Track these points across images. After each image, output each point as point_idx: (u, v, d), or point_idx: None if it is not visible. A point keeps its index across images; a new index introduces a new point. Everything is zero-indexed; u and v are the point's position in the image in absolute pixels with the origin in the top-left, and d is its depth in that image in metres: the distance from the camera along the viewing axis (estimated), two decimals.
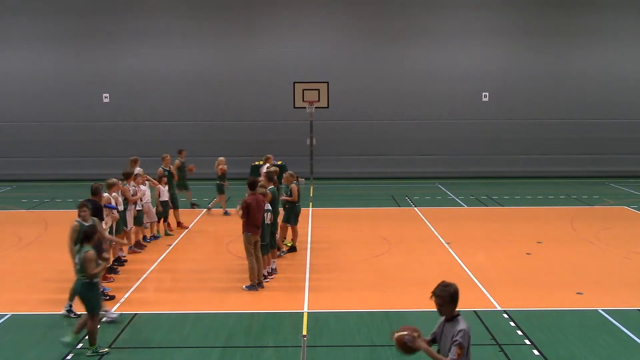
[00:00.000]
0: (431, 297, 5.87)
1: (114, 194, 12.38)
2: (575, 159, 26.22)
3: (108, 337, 9.29)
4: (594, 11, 25.80)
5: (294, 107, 23.45)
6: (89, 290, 8.65)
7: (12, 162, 25.87)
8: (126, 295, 11.14)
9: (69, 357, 8.59)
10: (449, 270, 12.70)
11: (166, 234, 15.66)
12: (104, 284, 11.21)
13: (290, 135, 25.29)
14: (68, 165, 25.80)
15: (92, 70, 25.59)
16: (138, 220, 14.09)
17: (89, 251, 8.62)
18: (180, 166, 18.20)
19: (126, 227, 13.36)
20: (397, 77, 25.74)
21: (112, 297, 10.87)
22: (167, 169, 16.36)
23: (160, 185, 15.27)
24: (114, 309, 10.39)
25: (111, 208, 12.04)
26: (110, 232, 12.10)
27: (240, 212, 11.24)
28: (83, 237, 8.85)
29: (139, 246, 14.27)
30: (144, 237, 14.91)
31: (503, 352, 8.69)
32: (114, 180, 12.70)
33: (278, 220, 13.03)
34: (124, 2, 25.44)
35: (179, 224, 16.46)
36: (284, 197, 13.61)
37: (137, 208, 13.93)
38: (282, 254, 13.53)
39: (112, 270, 12.40)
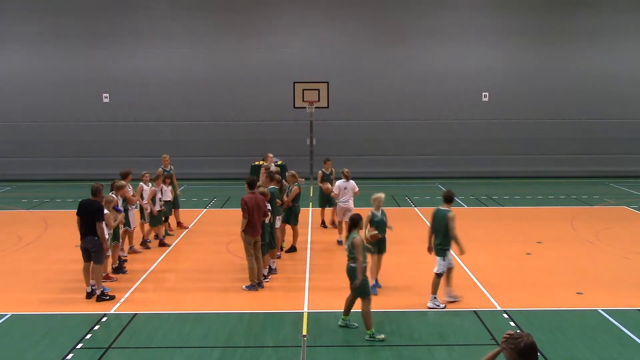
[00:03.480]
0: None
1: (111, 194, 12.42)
2: (575, 159, 26.23)
3: (108, 337, 9.30)
4: (594, 11, 25.81)
5: (294, 107, 23.45)
6: (351, 273, 9.18)
7: (12, 162, 25.88)
8: (126, 295, 11.13)
9: (69, 357, 8.59)
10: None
11: (166, 234, 15.67)
12: (104, 284, 11.21)
13: (290, 135, 25.29)
14: (68, 165, 25.81)
15: (92, 70, 25.59)
16: (155, 220, 14.39)
17: (357, 237, 9.15)
18: (323, 177, 16.44)
19: (129, 227, 13.42)
20: (397, 77, 25.76)
21: (112, 297, 10.87)
22: (167, 169, 16.37)
23: (163, 185, 15.29)
24: (113, 309, 10.41)
25: (119, 211, 12.10)
26: (116, 233, 12.16)
27: (246, 220, 11.18)
28: (351, 224, 9.32)
29: (144, 245, 14.46)
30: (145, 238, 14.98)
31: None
32: (122, 182, 12.80)
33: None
34: (124, 2, 25.45)
35: (179, 224, 16.47)
36: (284, 198, 13.58)
37: (157, 208, 14.34)
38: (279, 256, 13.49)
39: (120, 270, 12.43)
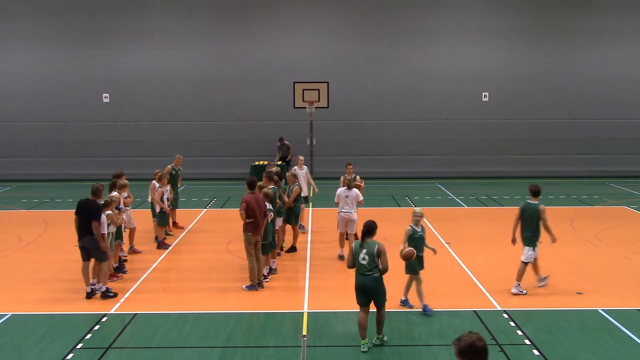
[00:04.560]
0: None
1: (114, 193, 12.46)
2: (575, 159, 26.22)
3: (108, 337, 9.31)
4: (594, 11, 25.81)
5: (294, 107, 23.44)
6: (379, 284, 8.65)
7: (12, 162, 25.87)
8: (126, 295, 11.14)
9: (69, 357, 8.59)
10: (449, 270, 12.71)
11: (166, 235, 15.66)
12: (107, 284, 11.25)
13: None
14: (68, 165, 25.81)
15: (92, 70, 25.58)
16: (164, 219, 14.53)
17: (380, 243, 8.61)
18: (345, 182, 14.65)
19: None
20: (397, 77, 25.74)
21: (115, 295, 10.99)
22: (177, 169, 16.41)
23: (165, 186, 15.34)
24: (113, 309, 10.41)
25: (119, 209, 12.14)
26: (118, 231, 12.18)
27: (243, 212, 11.18)
28: (366, 231, 8.69)
29: (164, 246, 14.54)
30: (156, 238, 15.08)
31: (503, 352, 8.69)
32: (126, 182, 12.84)
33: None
34: (124, 2, 25.44)
35: (174, 224, 16.45)
36: (285, 199, 13.59)
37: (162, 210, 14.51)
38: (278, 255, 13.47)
39: (120, 269, 12.45)
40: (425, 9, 25.67)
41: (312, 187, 16.62)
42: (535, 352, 8.71)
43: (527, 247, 11.08)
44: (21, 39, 25.45)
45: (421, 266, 10.36)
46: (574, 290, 11.34)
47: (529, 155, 26.25)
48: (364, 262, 8.60)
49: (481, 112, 26.06)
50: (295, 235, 14.31)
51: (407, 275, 10.44)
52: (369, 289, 8.62)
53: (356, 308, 10.24)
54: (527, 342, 9.03)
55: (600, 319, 9.95)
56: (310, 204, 19.21)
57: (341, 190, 13.43)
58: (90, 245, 10.82)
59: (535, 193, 11.22)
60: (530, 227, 11.04)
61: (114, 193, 12.27)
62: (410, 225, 10.30)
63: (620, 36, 25.77)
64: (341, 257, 13.47)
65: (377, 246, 8.58)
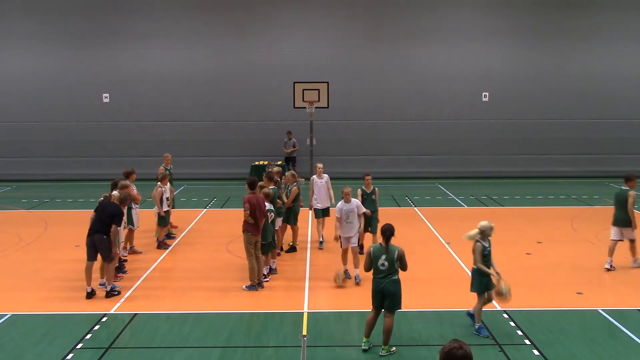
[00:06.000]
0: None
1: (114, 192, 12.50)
2: (575, 159, 26.23)
3: (108, 337, 9.31)
4: (594, 11, 25.81)
5: (294, 107, 23.44)
6: (397, 287, 8.63)
7: (12, 162, 25.87)
8: (126, 295, 11.14)
9: (69, 357, 8.59)
10: (449, 270, 12.71)
11: (167, 236, 15.62)
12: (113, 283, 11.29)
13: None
14: (68, 165, 25.80)
15: (92, 70, 25.58)
16: (164, 220, 14.53)
17: (400, 248, 8.67)
18: (363, 196, 13.52)
19: (133, 226, 13.48)
20: (397, 77, 25.75)
21: (119, 292, 11.10)
22: (168, 168, 16.40)
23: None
24: (113, 309, 10.41)
25: None
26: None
27: (248, 213, 11.16)
28: (389, 235, 8.70)
29: (164, 246, 14.54)
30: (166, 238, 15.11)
31: (503, 352, 8.69)
32: (127, 182, 12.88)
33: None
34: (124, 2, 25.44)
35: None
36: (284, 199, 13.58)
37: (165, 208, 14.46)
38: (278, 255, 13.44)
39: (120, 269, 12.46)
40: (425, 9, 25.67)
41: (331, 199, 14.48)
42: (535, 352, 8.71)
43: (627, 228, 12.38)
44: (21, 38, 25.44)
45: (489, 285, 9.36)
46: (574, 290, 11.34)
47: (529, 155, 26.25)
48: (383, 268, 8.59)
49: (481, 112, 26.06)
50: (295, 235, 14.31)
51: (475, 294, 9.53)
52: (387, 292, 8.56)
53: (356, 308, 10.28)
54: (527, 342, 9.03)
55: (600, 319, 9.95)
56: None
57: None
58: (100, 243, 10.86)
59: (627, 179, 12.74)
60: (622, 210, 12.43)
61: (115, 192, 12.29)
62: (479, 241, 9.45)
63: (620, 36, 25.76)
64: (348, 276, 12.07)
65: (397, 252, 8.61)
